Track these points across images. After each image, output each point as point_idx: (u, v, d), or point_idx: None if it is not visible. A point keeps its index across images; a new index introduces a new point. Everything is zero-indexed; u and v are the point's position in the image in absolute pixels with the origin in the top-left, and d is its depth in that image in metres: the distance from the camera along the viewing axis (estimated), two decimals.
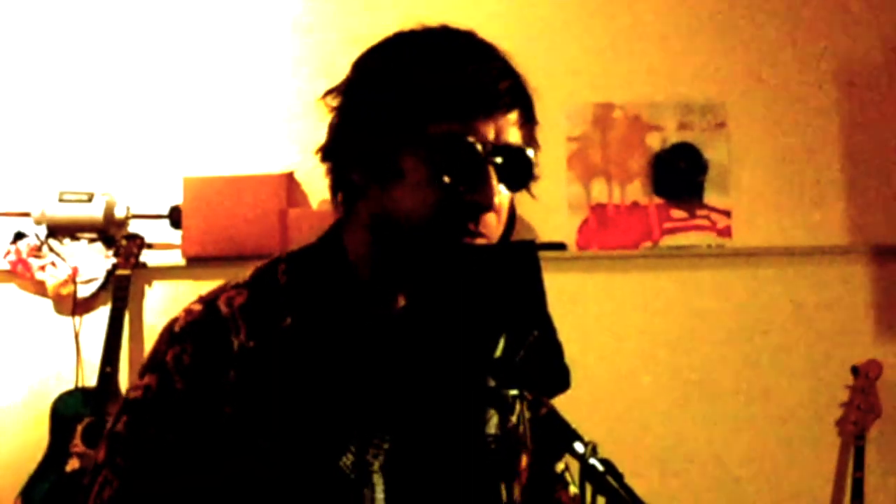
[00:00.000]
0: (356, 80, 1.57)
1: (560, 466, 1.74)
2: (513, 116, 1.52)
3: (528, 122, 1.55)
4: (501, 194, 1.51)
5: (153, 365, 1.53)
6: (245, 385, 1.48)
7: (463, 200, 1.48)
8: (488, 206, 1.48)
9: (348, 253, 1.58)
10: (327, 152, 1.59)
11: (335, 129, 1.57)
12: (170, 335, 1.54)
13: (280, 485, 1.47)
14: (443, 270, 1.51)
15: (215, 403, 1.48)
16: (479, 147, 1.47)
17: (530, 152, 1.54)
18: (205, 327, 1.53)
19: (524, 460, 1.64)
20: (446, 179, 1.46)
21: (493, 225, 1.51)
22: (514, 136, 1.52)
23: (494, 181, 1.48)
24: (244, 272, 1.60)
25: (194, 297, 1.58)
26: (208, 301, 1.55)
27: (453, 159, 1.47)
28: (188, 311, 1.56)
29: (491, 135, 1.49)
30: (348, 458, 1.49)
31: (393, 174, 1.49)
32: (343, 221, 1.61)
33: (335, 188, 1.59)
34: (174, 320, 1.56)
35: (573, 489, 1.76)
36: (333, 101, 1.58)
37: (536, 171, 1.55)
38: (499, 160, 1.49)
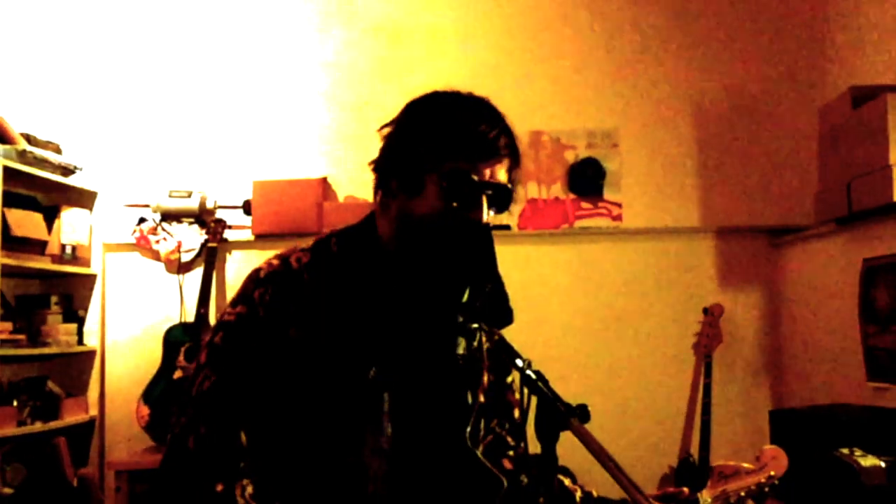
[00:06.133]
0: (403, 121, 1.53)
1: (510, 378, 1.72)
2: (505, 163, 1.50)
3: (515, 167, 1.53)
4: (489, 215, 1.48)
5: (243, 298, 1.48)
6: (306, 318, 1.45)
7: (463, 217, 1.44)
8: (479, 223, 1.45)
9: (379, 234, 1.54)
10: (377, 166, 1.55)
11: (385, 151, 1.54)
12: (256, 278, 1.50)
13: (325, 388, 1.44)
14: (442, 255, 1.45)
15: (285, 328, 1.44)
16: (477, 181, 1.45)
17: (510, 188, 1.50)
18: (281, 276, 1.49)
19: (485, 375, 1.64)
20: (454, 204, 1.44)
21: None
22: (502, 176, 1.49)
23: (486, 206, 1.46)
24: (307, 241, 1.56)
25: (260, 262, 1.53)
26: (284, 258, 1.52)
27: (460, 189, 1.44)
28: (269, 264, 1.52)
29: (487, 174, 1.46)
30: (373, 371, 1.45)
31: (418, 189, 1.47)
32: (377, 211, 1.55)
33: (377, 189, 1.55)
34: (259, 269, 1.51)
35: (517, 394, 1.73)
36: (386, 131, 1.54)
37: (515, 198, 1.52)
38: (490, 192, 1.46)
